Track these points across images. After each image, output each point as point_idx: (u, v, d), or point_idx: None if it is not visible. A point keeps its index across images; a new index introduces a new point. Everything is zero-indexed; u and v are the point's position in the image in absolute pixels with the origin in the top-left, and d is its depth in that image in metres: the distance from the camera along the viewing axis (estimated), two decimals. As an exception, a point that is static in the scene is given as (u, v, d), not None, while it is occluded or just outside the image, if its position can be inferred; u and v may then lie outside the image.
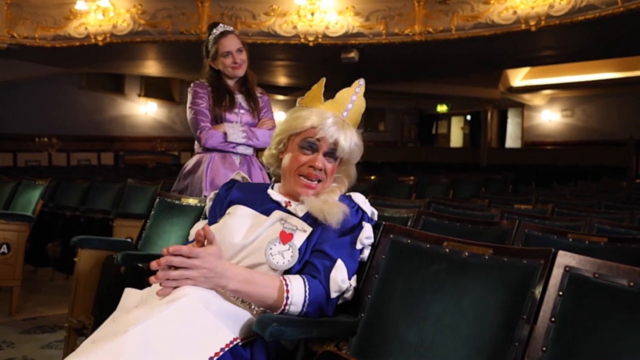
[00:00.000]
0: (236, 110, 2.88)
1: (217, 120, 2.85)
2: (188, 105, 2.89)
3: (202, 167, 2.87)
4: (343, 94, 1.62)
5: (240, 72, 2.88)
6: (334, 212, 1.51)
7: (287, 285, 1.40)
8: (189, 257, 1.31)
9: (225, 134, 2.81)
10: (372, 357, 1.41)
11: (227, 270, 1.37)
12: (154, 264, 1.31)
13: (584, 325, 1.14)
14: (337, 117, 1.58)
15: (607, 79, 13.49)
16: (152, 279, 1.32)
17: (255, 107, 2.94)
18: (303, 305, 1.40)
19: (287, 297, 1.39)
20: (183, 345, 1.18)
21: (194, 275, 1.31)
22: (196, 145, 2.96)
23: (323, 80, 1.64)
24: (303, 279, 1.42)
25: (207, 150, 2.88)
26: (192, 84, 2.92)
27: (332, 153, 1.57)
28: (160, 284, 1.32)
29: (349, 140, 1.57)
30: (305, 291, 1.41)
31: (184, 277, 1.31)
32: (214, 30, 2.87)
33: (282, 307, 1.39)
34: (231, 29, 2.94)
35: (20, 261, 3.78)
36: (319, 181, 1.58)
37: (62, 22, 9.78)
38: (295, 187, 1.58)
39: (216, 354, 1.21)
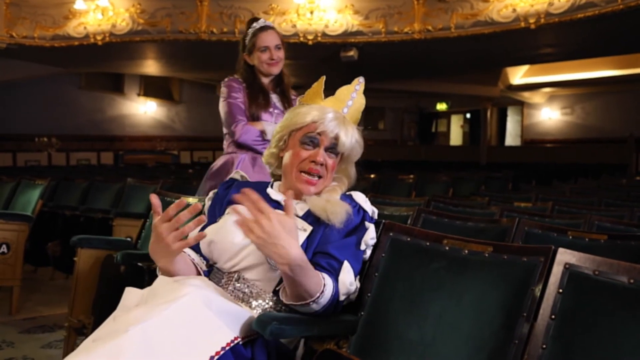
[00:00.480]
0: (271, 109, 2.71)
1: (252, 118, 2.68)
2: (222, 98, 2.72)
3: (231, 168, 2.66)
4: (343, 91, 1.62)
5: (276, 70, 2.74)
6: (337, 211, 1.50)
7: (324, 285, 1.38)
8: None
9: (262, 131, 2.64)
10: (372, 356, 1.41)
11: (294, 242, 1.32)
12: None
13: (584, 322, 1.14)
14: (338, 112, 1.58)
15: (606, 76, 13.49)
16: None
17: (289, 108, 2.81)
18: (324, 306, 1.39)
19: (323, 292, 1.36)
20: (184, 345, 1.18)
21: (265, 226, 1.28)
22: (225, 144, 2.79)
23: (323, 78, 1.64)
24: (332, 282, 1.41)
25: (238, 148, 2.70)
26: (226, 79, 2.78)
27: (333, 148, 1.56)
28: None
29: (350, 136, 1.56)
30: (332, 293, 1.40)
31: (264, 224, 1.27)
32: (254, 24, 2.74)
33: (313, 299, 1.36)
34: (272, 24, 2.82)
35: (20, 261, 3.78)
36: (320, 177, 1.57)
37: (61, 21, 9.77)
38: (297, 184, 1.57)
39: (217, 353, 1.21)
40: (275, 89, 2.78)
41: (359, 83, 1.63)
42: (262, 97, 2.70)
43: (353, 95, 1.61)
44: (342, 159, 1.62)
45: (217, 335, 1.24)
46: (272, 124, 2.65)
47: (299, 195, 1.59)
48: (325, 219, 1.50)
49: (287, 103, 2.75)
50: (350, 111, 1.61)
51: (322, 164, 1.55)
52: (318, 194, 1.59)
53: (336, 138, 1.55)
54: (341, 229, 1.51)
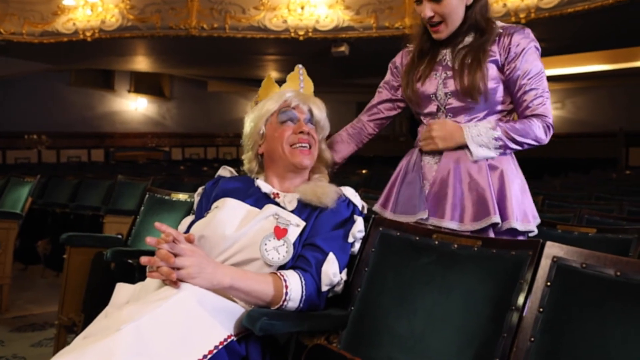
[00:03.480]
0: None
1: None
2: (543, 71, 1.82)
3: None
4: (291, 76, 1.73)
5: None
6: (327, 192, 1.54)
7: (285, 280, 1.39)
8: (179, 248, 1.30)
9: None
10: (362, 350, 1.41)
11: (219, 266, 1.36)
12: (144, 259, 1.29)
13: (572, 315, 1.14)
14: (298, 91, 1.68)
15: (597, 71, 13.55)
16: (143, 259, 1.30)
17: None
18: (300, 301, 1.40)
19: (287, 293, 1.38)
20: (177, 342, 1.18)
21: (189, 261, 1.28)
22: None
23: (270, 75, 1.76)
24: (298, 275, 1.42)
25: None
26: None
27: (310, 120, 1.65)
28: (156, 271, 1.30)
29: (320, 108, 1.68)
30: (302, 286, 1.40)
31: (179, 264, 1.28)
32: None
33: (281, 303, 1.38)
34: None
35: (9, 259, 3.76)
36: (310, 146, 1.63)
37: (50, 17, 9.69)
38: (292, 159, 1.60)
39: (210, 351, 1.21)
40: None
41: (300, 69, 1.73)
42: None
43: (301, 85, 1.72)
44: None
45: (211, 333, 1.24)
46: None
47: (288, 187, 1.60)
48: (318, 202, 1.52)
49: None
50: (304, 92, 1.71)
51: (308, 133, 1.62)
52: (307, 180, 1.64)
53: (310, 110, 1.65)
54: (330, 222, 1.51)
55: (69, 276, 2.63)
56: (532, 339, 1.18)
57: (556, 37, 9.75)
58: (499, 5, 8.49)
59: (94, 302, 2.26)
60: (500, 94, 1.74)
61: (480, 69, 1.68)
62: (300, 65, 1.74)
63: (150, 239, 1.29)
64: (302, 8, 9.18)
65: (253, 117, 1.67)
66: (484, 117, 1.75)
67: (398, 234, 1.54)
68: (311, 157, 1.63)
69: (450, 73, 1.74)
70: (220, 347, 1.23)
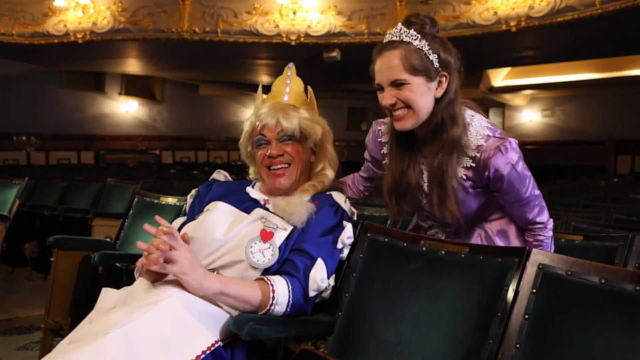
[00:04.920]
0: None
1: None
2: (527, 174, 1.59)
3: None
4: (277, 83, 1.69)
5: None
6: (297, 211, 1.51)
7: (272, 285, 1.39)
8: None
9: None
10: (349, 356, 1.42)
11: (207, 271, 1.37)
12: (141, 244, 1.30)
13: (557, 322, 1.15)
14: (275, 104, 1.63)
15: (586, 79, 13.68)
16: (140, 244, 1.30)
17: None
18: (287, 306, 1.40)
19: (274, 297, 1.38)
20: (165, 347, 1.18)
21: (183, 257, 1.30)
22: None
23: (259, 86, 1.75)
24: (285, 279, 1.42)
25: None
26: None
27: (282, 136, 1.60)
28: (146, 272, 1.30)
29: (292, 117, 1.59)
30: (289, 291, 1.40)
31: (173, 257, 1.29)
32: None
33: (268, 308, 1.38)
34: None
35: (-4, 261, 3.73)
36: (288, 165, 1.60)
37: (41, 19, 9.64)
38: (268, 181, 1.61)
39: (198, 356, 1.21)
40: None
41: (289, 69, 1.70)
42: None
43: (288, 82, 1.67)
44: (316, 145, 1.65)
45: (199, 339, 1.24)
46: None
47: (275, 194, 1.61)
48: (287, 220, 1.51)
49: None
50: (292, 96, 1.66)
51: (279, 154, 1.59)
52: (290, 192, 1.61)
53: (278, 125, 1.59)
54: (319, 227, 1.52)
55: (56, 279, 2.61)
56: (518, 346, 1.18)
57: (546, 45, 9.85)
58: (489, 13, 8.57)
59: (81, 305, 2.24)
60: (485, 211, 1.64)
61: (449, 198, 1.53)
62: (290, 64, 1.71)
63: (141, 244, 1.29)
64: (294, 13, 9.21)
65: (243, 137, 1.69)
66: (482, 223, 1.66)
67: (386, 240, 1.55)
68: (288, 176, 1.60)
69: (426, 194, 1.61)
70: (208, 352, 1.23)
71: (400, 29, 1.51)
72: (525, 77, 14.32)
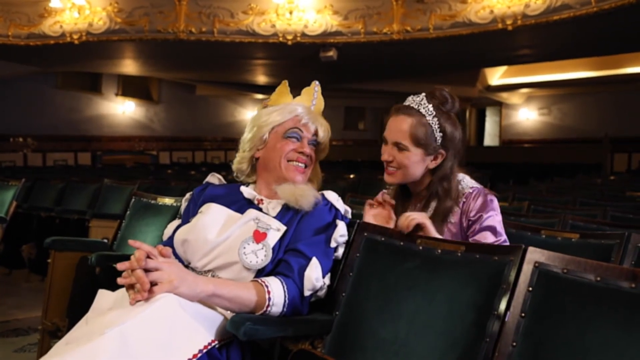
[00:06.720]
0: None
1: None
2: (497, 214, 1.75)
3: None
4: (306, 90, 1.73)
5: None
6: (305, 194, 1.55)
7: (267, 286, 1.39)
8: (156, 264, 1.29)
9: None
10: (346, 355, 1.42)
11: (198, 276, 1.37)
12: (121, 265, 1.28)
13: (553, 320, 1.15)
14: (310, 108, 1.68)
15: (582, 77, 13.72)
16: (120, 280, 1.29)
17: None
18: (283, 306, 1.40)
19: (269, 299, 1.38)
20: (161, 347, 1.18)
21: (168, 273, 1.28)
22: None
23: (286, 81, 1.73)
24: (280, 280, 1.42)
25: None
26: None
27: (313, 140, 1.66)
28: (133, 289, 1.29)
29: (325, 131, 1.68)
30: (284, 291, 1.41)
31: (158, 279, 1.27)
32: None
33: (264, 309, 1.38)
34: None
35: (-7, 263, 3.72)
36: (306, 166, 1.65)
37: (37, 20, 9.62)
38: (286, 173, 1.62)
39: (194, 355, 1.21)
40: None
41: (316, 85, 1.74)
42: None
43: (315, 95, 1.72)
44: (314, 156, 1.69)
45: (195, 339, 1.24)
46: None
47: (272, 194, 1.61)
48: (295, 204, 1.54)
49: None
50: (315, 110, 1.71)
51: (308, 155, 1.64)
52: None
53: (315, 132, 1.66)
54: (312, 226, 1.53)
55: (54, 281, 2.61)
56: (514, 344, 1.19)
57: (543, 43, 9.86)
58: (485, 12, 8.58)
59: (79, 307, 2.24)
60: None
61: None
62: (316, 82, 1.74)
63: (122, 265, 1.28)
64: (291, 13, 9.20)
65: (259, 122, 1.67)
66: None
67: (383, 239, 1.55)
68: (305, 176, 1.65)
69: None
70: (204, 351, 1.23)
71: (422, 100, 1.71)
72: (522, 76, 14.35)
